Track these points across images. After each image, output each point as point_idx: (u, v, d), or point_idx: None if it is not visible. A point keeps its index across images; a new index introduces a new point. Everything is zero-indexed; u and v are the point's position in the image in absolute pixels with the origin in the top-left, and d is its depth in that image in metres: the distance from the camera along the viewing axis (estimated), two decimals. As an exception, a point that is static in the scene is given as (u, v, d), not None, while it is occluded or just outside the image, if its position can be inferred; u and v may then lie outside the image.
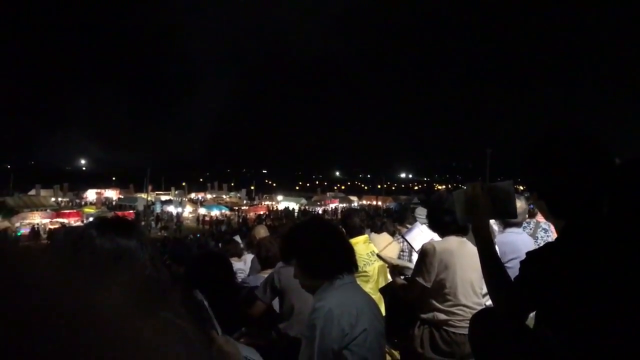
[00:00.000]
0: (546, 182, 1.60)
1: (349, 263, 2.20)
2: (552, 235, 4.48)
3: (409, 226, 6.65)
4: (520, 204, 4.08)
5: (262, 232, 5.61)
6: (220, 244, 11.58)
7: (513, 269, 1.80)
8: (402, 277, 3.42)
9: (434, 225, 3.42)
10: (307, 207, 53.64)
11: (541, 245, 4.49)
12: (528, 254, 1.62)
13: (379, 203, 54.65)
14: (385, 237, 5.62)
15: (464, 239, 3.18)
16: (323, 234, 2.24)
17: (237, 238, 8.72)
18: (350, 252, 2.25)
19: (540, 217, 4.60)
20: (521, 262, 1.61)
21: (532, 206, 4.84)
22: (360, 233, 4.67)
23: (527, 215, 4.73)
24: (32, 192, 43.48)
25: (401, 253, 6.40)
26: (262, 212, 48.09)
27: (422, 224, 5.77)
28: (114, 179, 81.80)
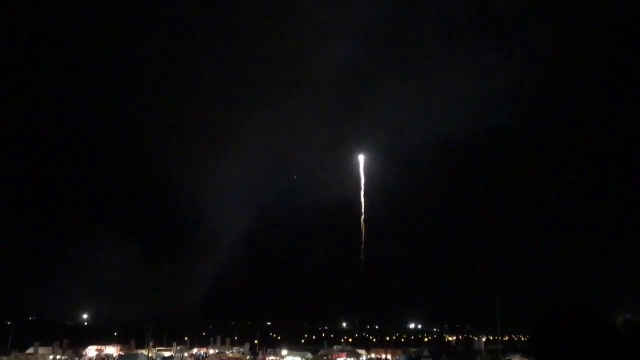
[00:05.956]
0: None
1: None
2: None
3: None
4: None
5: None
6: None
7: None
8: None
9: None
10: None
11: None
12: None
13: (389, 357, 52.27)
14: None
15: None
16: None
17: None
18: None
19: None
20: None
21: None
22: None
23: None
24: (30, 350, 42.09)
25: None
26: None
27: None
28: (115, 334, 79.59)
